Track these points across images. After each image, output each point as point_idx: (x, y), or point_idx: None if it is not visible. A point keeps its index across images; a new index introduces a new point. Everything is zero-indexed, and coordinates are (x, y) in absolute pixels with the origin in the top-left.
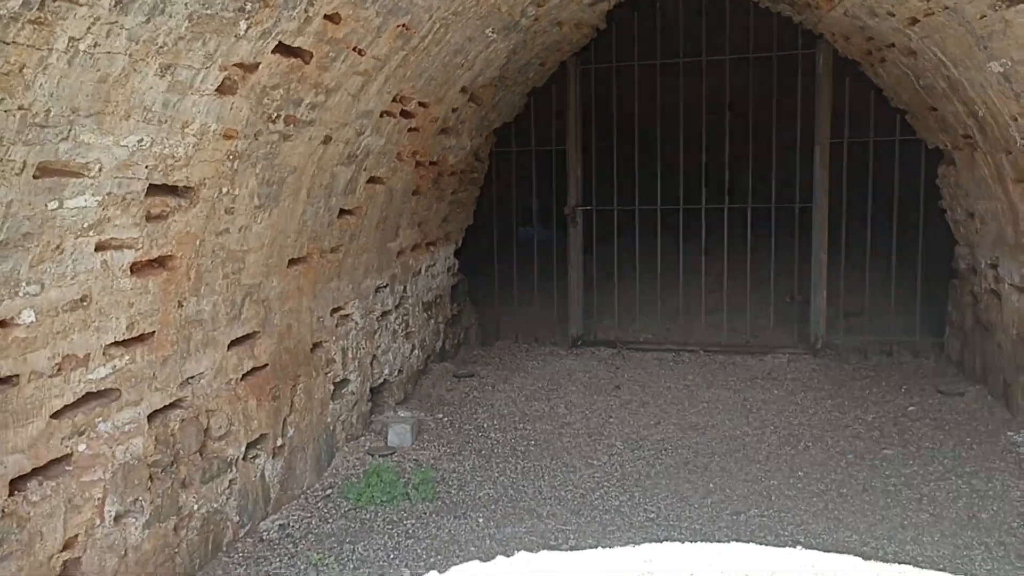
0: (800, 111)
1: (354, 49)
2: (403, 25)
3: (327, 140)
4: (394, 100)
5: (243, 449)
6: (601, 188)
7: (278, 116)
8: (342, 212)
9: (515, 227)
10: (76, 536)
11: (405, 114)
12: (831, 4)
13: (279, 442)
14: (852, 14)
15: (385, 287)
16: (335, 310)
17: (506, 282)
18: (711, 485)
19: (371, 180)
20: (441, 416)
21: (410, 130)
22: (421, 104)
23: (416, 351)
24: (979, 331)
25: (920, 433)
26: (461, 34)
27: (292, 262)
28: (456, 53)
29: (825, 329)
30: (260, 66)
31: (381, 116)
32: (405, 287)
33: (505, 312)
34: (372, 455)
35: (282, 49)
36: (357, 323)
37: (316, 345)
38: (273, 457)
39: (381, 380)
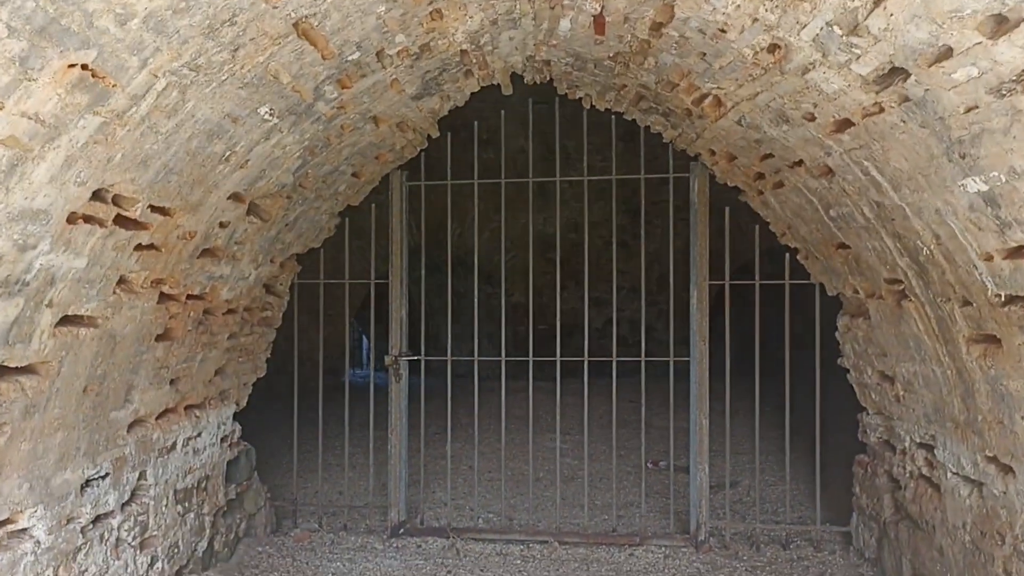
0: (672, 245)
1: None
2: (85, 67)
3: None
4: (95, 198)
5: None
6: (434, 332)
7: None
8: (3, 371)
9: (320, 376)
10: None
11: (126, 222)
12: (720, 111)
13: None
14: (749, 122)
15: (103, 478)
16: None
17: (309, 447)
18: None
19: (66, 321)
20: None
21: (143, 247)
22: (157, 210)
23: (160, 564)
24: (905, 525)
25: None
26: (215, 107)
27: None
28: (212, 137)
29: (708, 512)
30: None
31: (73, 222)
32: (144, 473)
33: (307, 487)
34: None
35: None
36: (40, 542)
37: None
38: None
39: None
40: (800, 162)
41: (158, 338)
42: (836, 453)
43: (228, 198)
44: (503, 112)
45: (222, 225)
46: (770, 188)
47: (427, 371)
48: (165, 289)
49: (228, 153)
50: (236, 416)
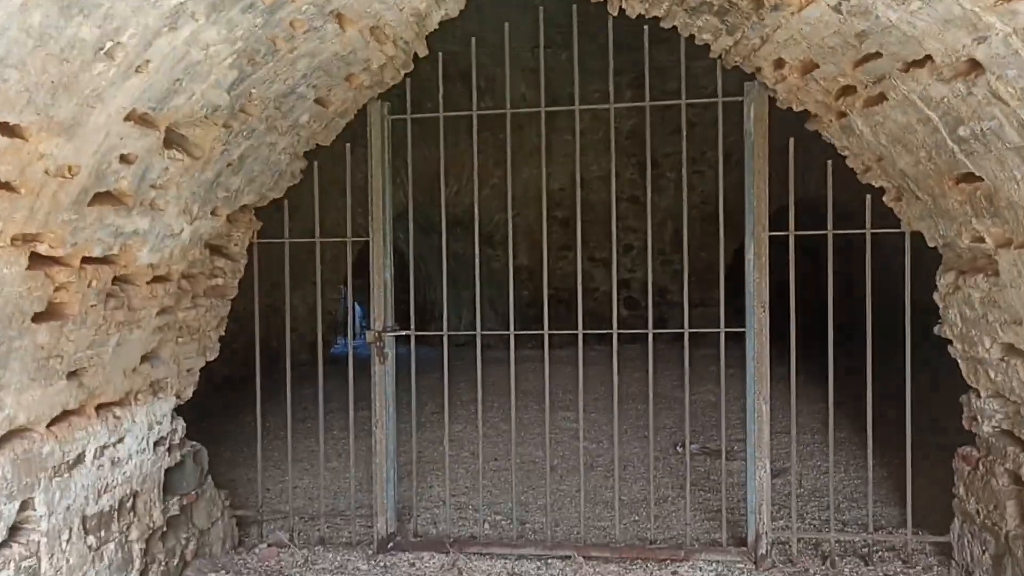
0: (724, 189)
1: None
2: None
3: None
4: None
5: None
6: (429, 300)
7: None
8: None
9: (287, 354)
10: None
11: None
12: None
13: None
14: (853, 6)
15: None
16: None
17: (277, 438)
18: None
19: None
20: None
21: None
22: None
23: None
24: None
25: None
26: None
27: None
28: (70, 11)
29: (769, 519)
30: None
31: None
32: (29, 502)
33: (276, 488)
34: None
35: None
36: None
37: None
38: None
39: None
40: (925, 60)
41: (38, 317)
42: (926, 444)
43: (126, 119)
44: (507, 25)
45: (124, 160)
46: (860, 106)
47: (421, 342)
48: (41, 249)
49: (108, 43)
50: (180, 411)
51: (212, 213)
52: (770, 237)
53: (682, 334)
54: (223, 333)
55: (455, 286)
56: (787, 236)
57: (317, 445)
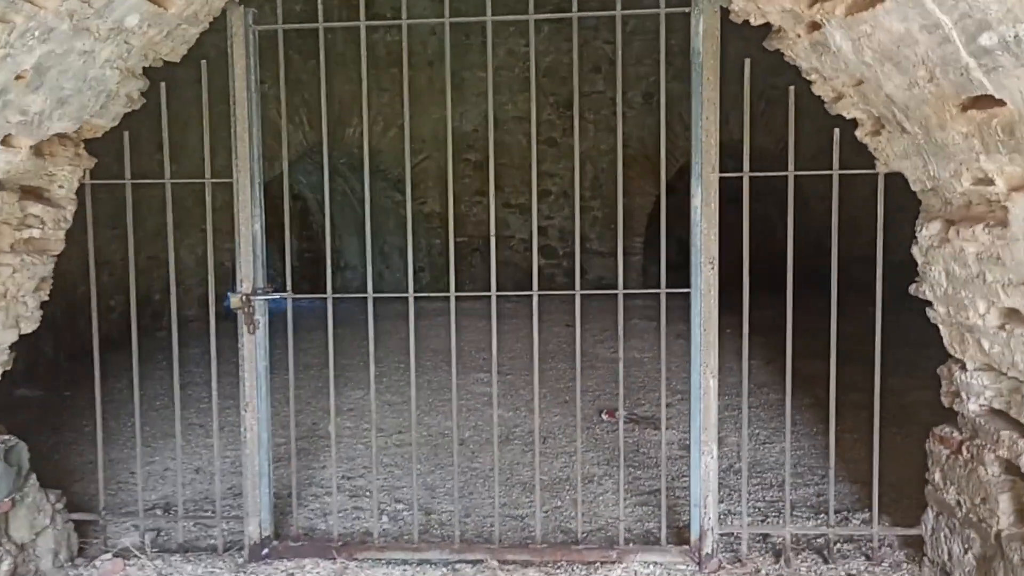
0: (644, 129)
1: None
2: None
3: None
4: None
5: None
6: (334, 253)
7: None
8: None
9: (133, 319)
10: None
11: None
12: None
13: None
14: None
15: None
16: None
17: (152, 409)
18: None
19: None
20: None
21: None
22: None
23: None
24: None
25: None
26: None
27: None
28: None
29: (716, 514)
30: None
31: None
32: None
33: (125, 482)
34: None
35: None
36: None
37: None
38: None
39: None
40: None
41: None
42: (899, 424)
43: None
44: None
45: None
46: (843, 14)
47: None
48: None
49: None
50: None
51: (7, 144)
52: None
53: (601, 281)
54: (46, 298)
55: (362, 234)
56: (739, 178)
57: (199, 419)
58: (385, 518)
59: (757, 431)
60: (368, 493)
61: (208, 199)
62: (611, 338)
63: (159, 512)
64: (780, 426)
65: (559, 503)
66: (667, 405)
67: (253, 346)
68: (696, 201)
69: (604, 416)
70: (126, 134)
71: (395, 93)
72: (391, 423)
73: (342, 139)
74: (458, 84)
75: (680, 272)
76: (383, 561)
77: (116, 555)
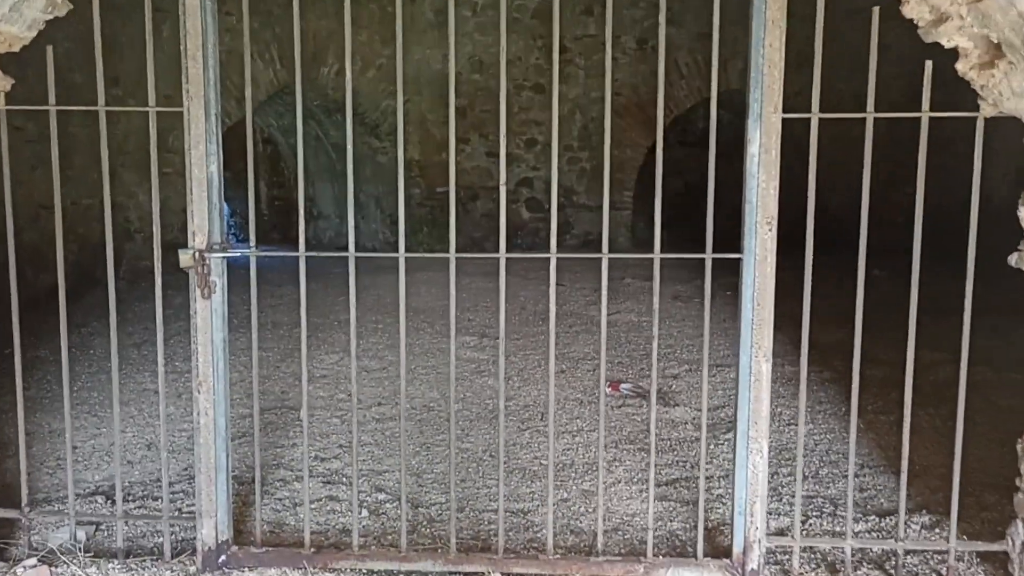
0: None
1: None
2: None
3: None
4: None
5: None
6: (308, 201)
7: None
8: None
9: (60, 277)
10: None
11: None
12: None
13: None
14: None
15: None
16: None
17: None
18: None
19: None
20: None
21: None
22: None
23: None
24: None
25: None
26: None
27: None
28: None
29: (764, 523)
30: None
31: None
32: None
33: (64, 459)
34: None
35: None
36: None
37: None
38: None
39: None
40: None
41: None
42: (924, 402)
43: None
44: None
45: None
46: None
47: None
48: None
49: None
50: None
51: None
52: (785, 120)
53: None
54: None
55: (339, 181)
56: (804, 120)
57: (156, 384)
58: (365, 512)
59: (779, 409)
60: (345, 479)
61: (152, 132)
62: (612, 299)
63: (100, 500)
64: (819, 415)
65: (565, 495)
66: (673, 377)
67: (208, 313)
68: (753, 148)
69: (607, 389)
70: (49, 49)
71: (373, 31)
72: (370, 393)
73: (316, 79)
74: (442, 23)
75: (665, 229)
76: (364, 572)
77: (42, 560)
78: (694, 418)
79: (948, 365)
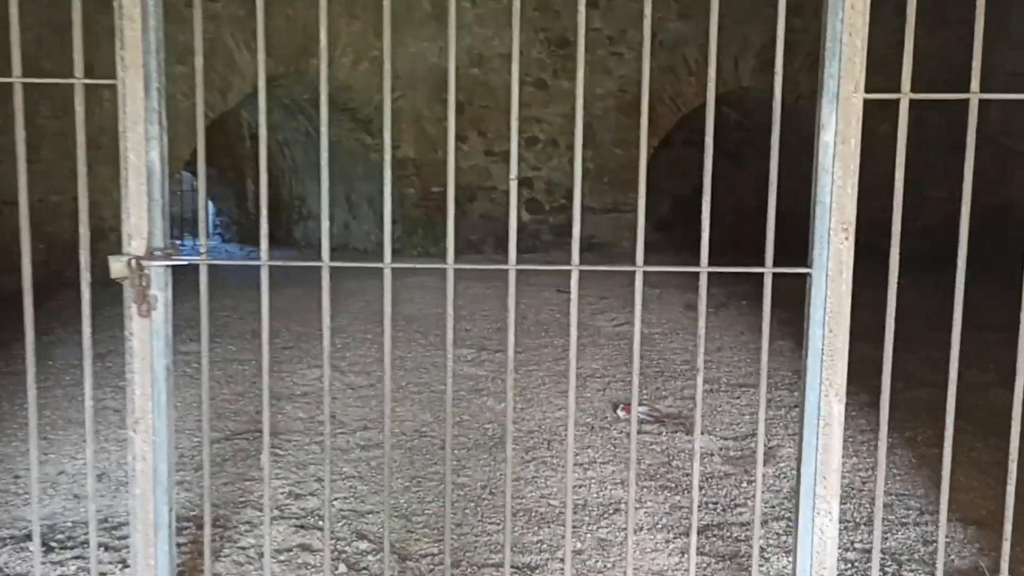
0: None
1: None
2: None
3: None
4: None
5: None
6: (296, 200)
7: None
8: None
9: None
10: None
11: None
12: None
13: None
14: None
15: None
16: None
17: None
18: None
19: None
20: None
21: None
22: None
23: None
24: None
25: None
26: None
27: None
28: None
29: None
30: None
31: None
32: None
33: (4, 492)
34: None
35: None
36: None
37: None
38: None
39: None
40: None
41: None
42: (977, 432)
43: None
44: None
45: None
46: None
47: (279, 242)
48: None
49: None
50: None
51: None
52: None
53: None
54: None
55: (331, 180)
56: (896, 100)
57: (118, 401)
58: (343, 567)
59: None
60: (316, 537)
61: (79, 107)
62: (612, 307)
63: (27, 546)
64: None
65: (578, 544)
66: (692, 399)
67: (148, 335)
68: (827, 135)
69: (620, 412)
70: (14, 10)
71: (367, 21)
72: (355, 414)
73: (306, 72)
74: (440, 14)
75: (669, 233)
76: None
77: None
78: (721, 449)
79: (997, 387)
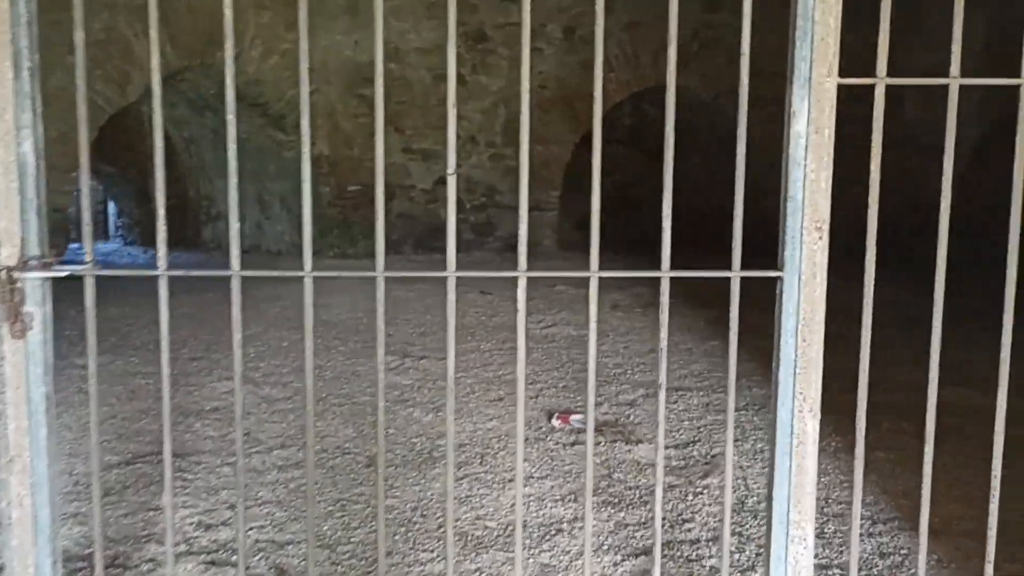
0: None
1: None
2: None
3: None
4: None
5: None
6: (204, 200)
7: None
8: None
9: None
10: None
11: None
12: None
13: None
14: None
15: None
16: None
17: None
18: None
19: None
20: None
21: None
22: None
23: None
24: None
25: None
26: None
27: None
28: None
29: None
30: None
31: None
32: None
33: None
34: None
35: None
36: None
37: None
38: None
39: None
40: None
41: None
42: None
43: None
44: None
45: None
46: None
47: (191, 244)
48: None
49: None
50: None
51: None
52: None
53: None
54: None
55: (242, 179)
56: (867, 86)
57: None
58: None
59: (760, 447)
60: (235, 552)
61: None
62: (538, 309)
63: None
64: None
65: (521, 572)
66: (629, 404)
67: (22, 359)
68: (798, 124)
69: (556, 422)
70: None
71: (277, 12)
72: (272, 431)
73: (212, 65)
74: (353, 7)
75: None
76: None
77: None
78: (663, 458)
79: (975, 399)
